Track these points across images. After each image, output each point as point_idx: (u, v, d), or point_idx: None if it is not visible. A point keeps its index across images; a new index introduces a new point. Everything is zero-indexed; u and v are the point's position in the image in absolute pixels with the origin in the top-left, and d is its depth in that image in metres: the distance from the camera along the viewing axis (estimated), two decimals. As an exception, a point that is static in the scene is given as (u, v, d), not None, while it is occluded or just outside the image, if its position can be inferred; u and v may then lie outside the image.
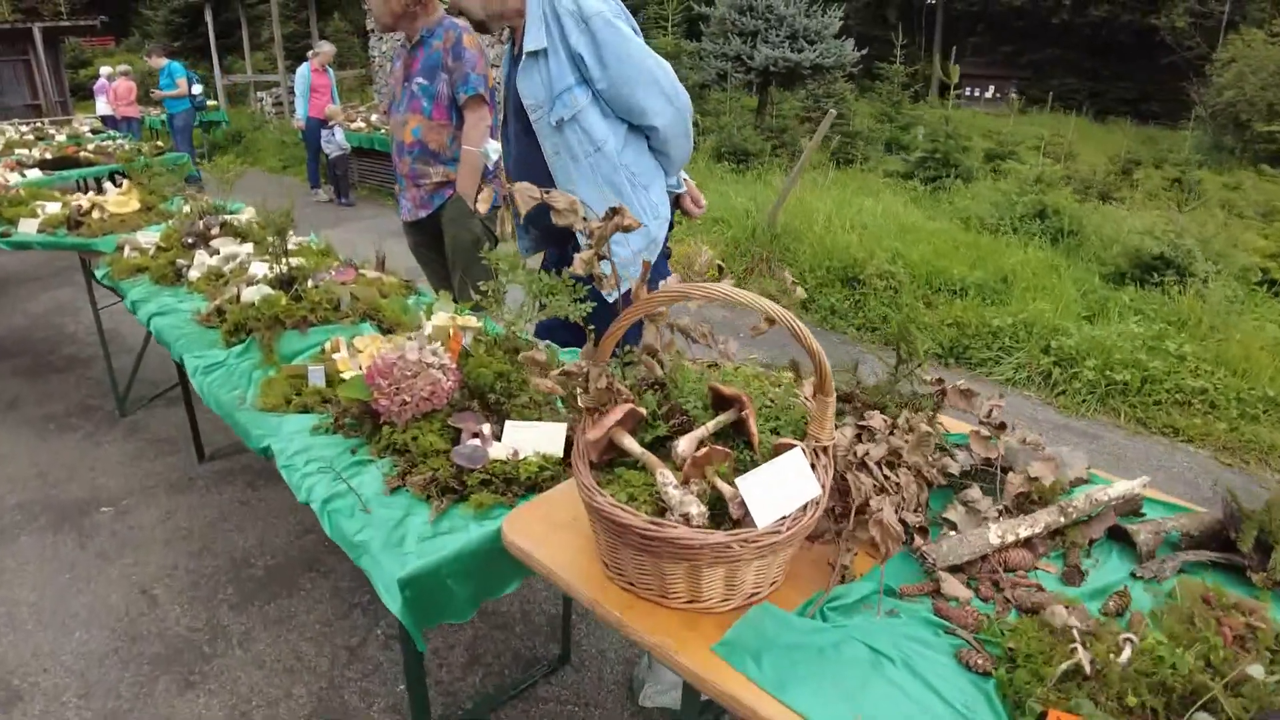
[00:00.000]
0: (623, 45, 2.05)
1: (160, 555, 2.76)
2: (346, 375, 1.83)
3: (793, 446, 1.16)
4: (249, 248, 2.83)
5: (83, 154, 6.52)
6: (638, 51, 2.07)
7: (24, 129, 9.35)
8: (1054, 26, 28.73)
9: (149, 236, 3.11)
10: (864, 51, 14.15)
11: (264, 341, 2.02)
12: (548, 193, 1.25)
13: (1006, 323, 5.26)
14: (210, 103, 13.05)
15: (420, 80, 3.03)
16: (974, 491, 1.45)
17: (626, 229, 1.27)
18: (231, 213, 3.27)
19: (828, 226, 6.39)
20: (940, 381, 1.75)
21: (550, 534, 1.26)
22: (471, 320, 2.10)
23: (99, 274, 3.03)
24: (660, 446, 1.22)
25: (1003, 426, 1.61)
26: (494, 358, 1.68)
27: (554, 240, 2.47)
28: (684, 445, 1.18)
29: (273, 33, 20.55)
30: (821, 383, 1.16)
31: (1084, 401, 4.58)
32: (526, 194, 1.24)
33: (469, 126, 3.03)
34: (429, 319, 2.16)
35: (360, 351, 1.89)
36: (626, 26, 2.09)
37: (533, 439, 1.54)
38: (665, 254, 2.49)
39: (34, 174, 5.82)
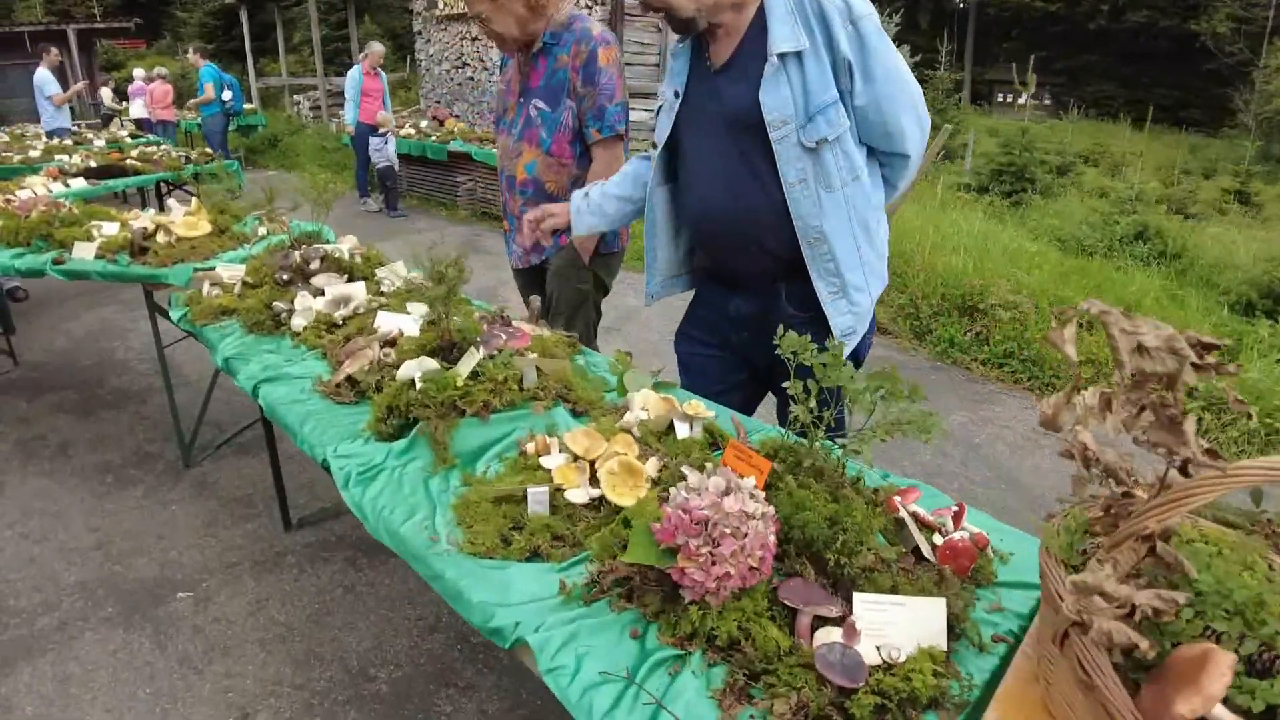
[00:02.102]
0: (891, 56, 1.66)
1: (258, 663, 2.27)
2: (574, 495, 1.33)
3: None
4: (360, 288, 2.35)
5: (129, 162, 6.08)
6: (902, 65, 1.68)
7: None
8: (1090, 32, 28.19)
9: (231, 270, 2.63)
10: (916, 59, 13.66)
11: (435, 436, 1.53)
12: (1132, 319, 0.75)
13: (1147, 360, 4.72)
14: (248, 106, 12.66)
15: (540, 104, 2.45)
16: None
17: (1209, 363, 0.77)
18: (328, 241, 2.79)
19: (933, 248, 5.87)
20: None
21: None
22: (700, 407, 1.60)
23: (175, 315, 2.55)
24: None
25: None
26: (810, 490, 1.18)
27: (725, 283, 1.96)
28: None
29: (304, 35, 20.25)
30: None
31: (1243, 451, 4.06)
32: (1120, 327, 0.74)
33: (598, 170, 2.45)
34: (632, 395, 1.67)
35: (584, 459, 1.40)
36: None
37: (903, 624, 1.03)
38: None
39: (78, 183, 5.39)
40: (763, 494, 1.11)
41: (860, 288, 1.79)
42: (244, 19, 16.03)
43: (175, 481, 3.26)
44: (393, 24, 23.48)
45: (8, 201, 3.87)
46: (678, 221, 2.00)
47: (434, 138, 8.53)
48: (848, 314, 1.79)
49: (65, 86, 9.73)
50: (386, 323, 2.02)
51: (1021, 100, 24.04)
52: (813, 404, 1.23)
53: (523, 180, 2.53)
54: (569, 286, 2.56)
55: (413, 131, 8.75)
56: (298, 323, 2.19)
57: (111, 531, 2.93)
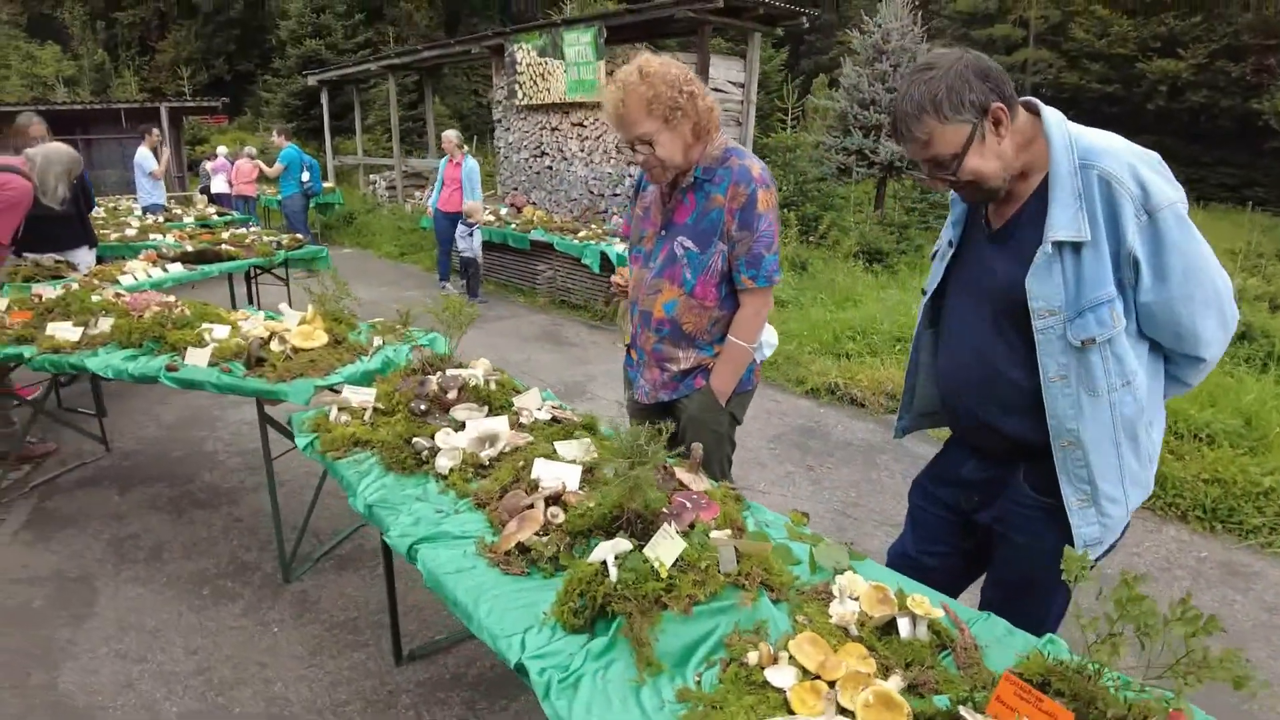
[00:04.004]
0: (1193, 252, 1.47)
1: (378, 836, 2.08)
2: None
3: None
4: (504, 425, 2.22)
5: (223, 247, 6.19)
6: (1207, 260, 1.49)
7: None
8: (1149, 112, 28.00)
9: (361, 395, 2.53)
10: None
11: (637, 635, 1.36)
12: None
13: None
14: (326, 185, 13.06)
15: (687, 243, 2.26)
16: None
17: None
18: (458, 362, 2.68)
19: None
20: None
21: None
22: (927, 604, 1.41)
23: (300, 442, 2.43)
24: None
25: None
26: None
27: (964, 444, 1.83)
28: None
29: (378, 115, 21.06)
30: None
31: None
32: None
33: (747, 316, 2.30)
34: (839, 584, 1.50)
35: (818, 675, 1.21)
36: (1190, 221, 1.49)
37: None
38: None
39: (175, 268, 5.48)
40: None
41: (1115, 499, 1.60)
42: (324, 100, 16.73)
43: (275, 598, 3.13)
44: (460, 105, 24.39)
45: (118, 296, 3.90)
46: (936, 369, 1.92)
47: (514, 225, 8.62)
48: (1095, 524, 1.60)
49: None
50: (546, 474, 1.88)
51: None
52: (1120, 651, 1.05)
53: (659, 319, 2.35)
54: (706, 430, 2.39)
55: (492, 218, 8.85)
56: (444, 464, 2.06)
57: (212, 655, 2.79)
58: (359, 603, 3.08)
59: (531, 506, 1.76)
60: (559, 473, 1.88)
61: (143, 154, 9.38)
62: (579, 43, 8.88)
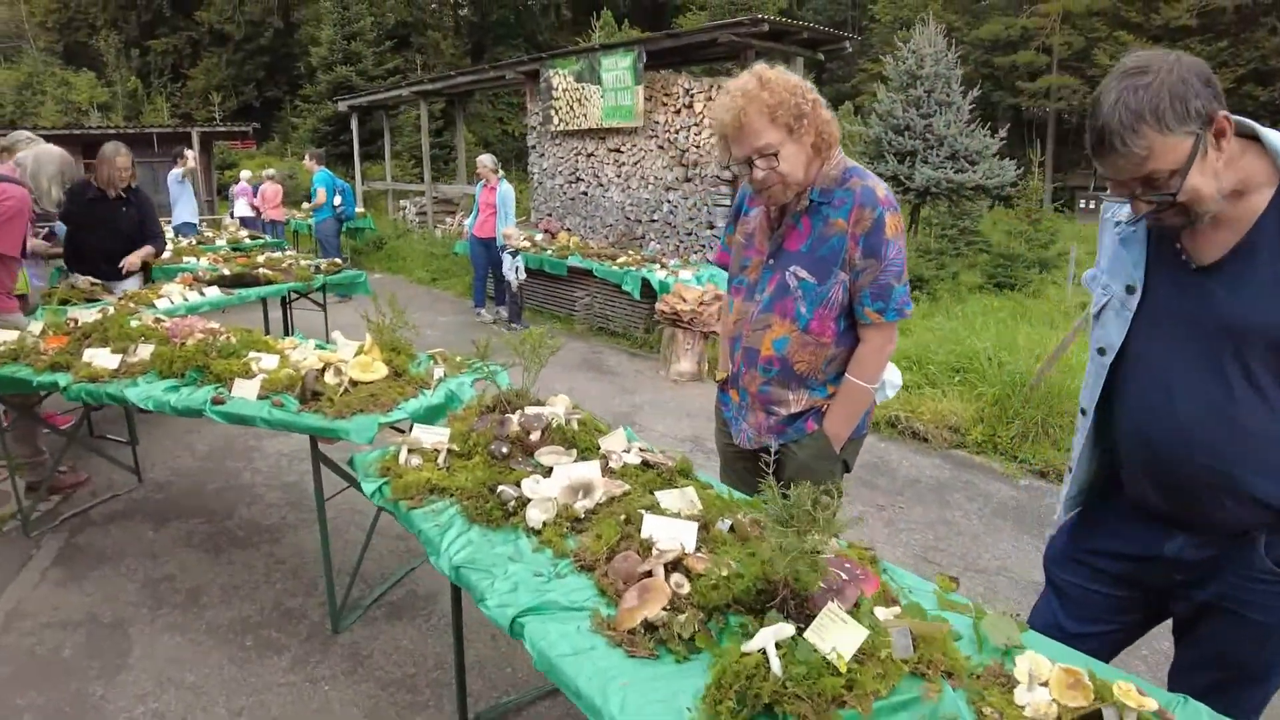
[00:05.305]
0: None
1: None
2: None
3: None
4: (596, 472, 1.99)
5: (260, 271, 6.03)
6: None
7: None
8: (1174, 139, 27.66)
9: (433, 434, 2.30)
10: (1020, 171, 13.47)
11: (816, 746, 1.12)
12: None
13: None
14: (359, 210, 12.98)
15: (801, 273, 2.03)
16: None
17: None
18: (535, 402, 2.46)
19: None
20: None
21: None
22: (1135, 694, 1.17)
23: (368, 489, 2.20)
24: None
25: None
26: None
27: (1166, 518, 1.55)
28: None
29: (405, 142, 21.13)
30: None
31: None
32: None
33: (869, 352, 2.06)
34: (1021, 668, 1.26)
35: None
36: None
37: None
38: None
39: (212, 291, 5.32)
40: None
41: None
42: (354, 125, 16.78)
43: (324, 651, 2.89)
44: (486, 133, 24.49)
45: (158, 321, 3.72)
46: (1110, 434, 1.64)
47: (550, 251, 8.45)
48: None
49: (193, 187, 10.11)
50: (661, 535, 1.65)
51: (1084, 205, 23.32)
52: None
53: (768, 357, 2.09)
54: (817, 476, 2.13)
55: (528, 244, 8.68)
56: (535, 517, 1.83)
57: (258, 717, 2.56)
58: (415, 657, 2.83)
59: (649, 574, 1.53)
60: (674, 532, 1.65)
61: (174, 174, 9.45)
62: (617, 67, 8.75)
